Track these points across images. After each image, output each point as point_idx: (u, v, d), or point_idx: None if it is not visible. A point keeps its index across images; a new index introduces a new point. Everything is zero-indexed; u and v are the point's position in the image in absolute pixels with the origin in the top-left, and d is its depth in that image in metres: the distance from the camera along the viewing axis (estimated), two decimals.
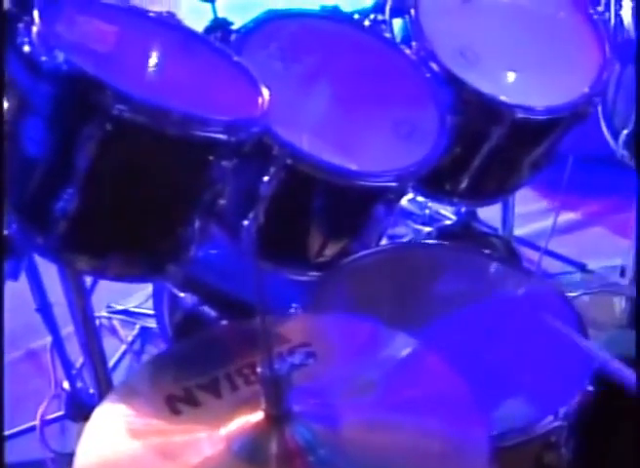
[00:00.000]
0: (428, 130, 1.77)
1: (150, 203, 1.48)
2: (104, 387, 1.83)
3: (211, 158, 1.48)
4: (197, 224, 1.53)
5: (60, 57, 1.37)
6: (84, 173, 1.42)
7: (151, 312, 2.34)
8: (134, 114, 1.38)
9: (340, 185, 1.68)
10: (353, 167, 1.68)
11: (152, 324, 2.42)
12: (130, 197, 1.47)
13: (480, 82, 1.85)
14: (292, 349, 1.31)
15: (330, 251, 1.81)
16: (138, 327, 2.52)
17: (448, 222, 2.13)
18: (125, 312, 2.56)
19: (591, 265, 2.60)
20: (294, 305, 1.62)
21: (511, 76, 1.91)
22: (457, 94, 1.83)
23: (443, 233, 2.07)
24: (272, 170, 1.65)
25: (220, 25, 1.81)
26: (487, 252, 1.77)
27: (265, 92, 1.54)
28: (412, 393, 1.27)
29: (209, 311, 1.73)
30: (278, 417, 1.20)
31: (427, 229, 2.01)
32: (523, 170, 2.03)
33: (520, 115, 1.85)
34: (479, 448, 1.20)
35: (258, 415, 1.21)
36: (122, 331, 2.53)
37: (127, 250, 1.50)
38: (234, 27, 1.81)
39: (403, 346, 1.36)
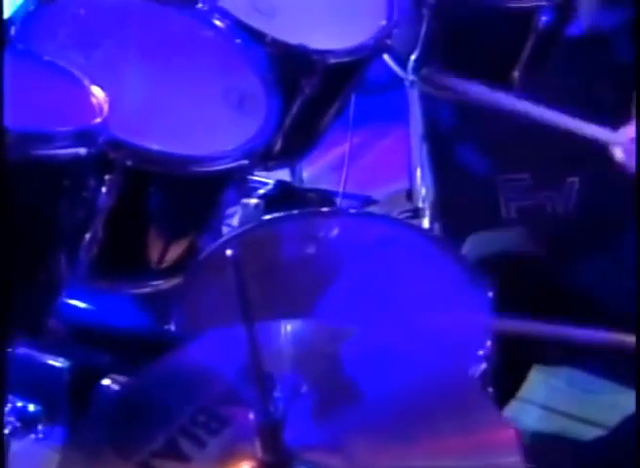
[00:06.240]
0: (256, 93, 1.60)
1: None
2: None
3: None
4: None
5: None
6: None
7: None
8: None
9: (179, 175, 1.49)
10: (189, 152, 1.49)
11: None
12: None
13: (282, 33, 1.70)
14: None
15: (173, 253, 1.61)
16: None
17: (264, 190, 1.99)
18: None
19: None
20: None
21: (310, 23, 1.78)
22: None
23: (270, 202, 1.92)
24: (108, 177, 1.42)
25: None
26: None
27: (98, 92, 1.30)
28: None
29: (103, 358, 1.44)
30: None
31: (254, 201, 1.85)
32: (330, 116, 1.92)
33: (332, 60, 1.74)
34: None
35: None
36: None
37: None
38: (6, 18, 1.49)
39: None
